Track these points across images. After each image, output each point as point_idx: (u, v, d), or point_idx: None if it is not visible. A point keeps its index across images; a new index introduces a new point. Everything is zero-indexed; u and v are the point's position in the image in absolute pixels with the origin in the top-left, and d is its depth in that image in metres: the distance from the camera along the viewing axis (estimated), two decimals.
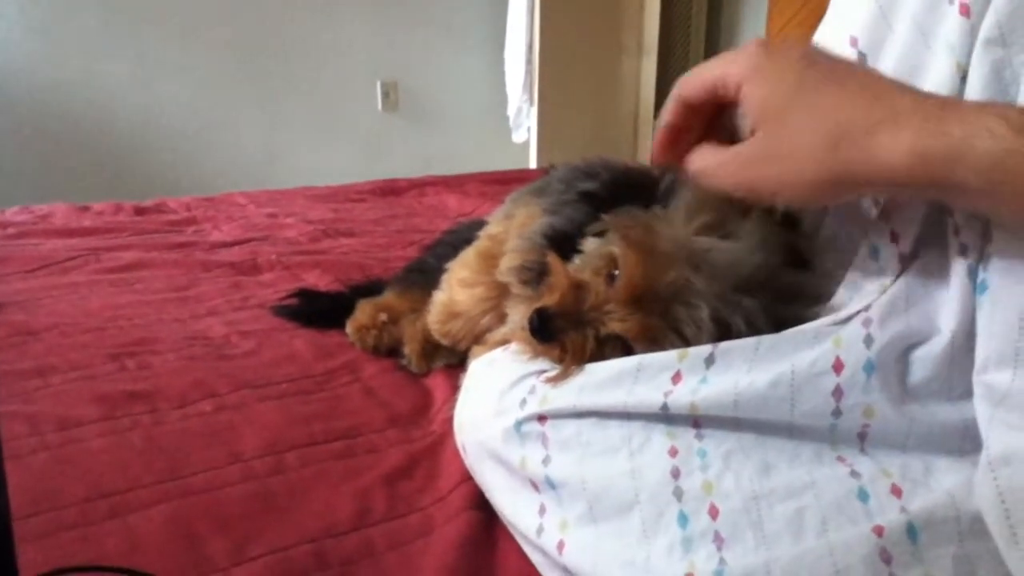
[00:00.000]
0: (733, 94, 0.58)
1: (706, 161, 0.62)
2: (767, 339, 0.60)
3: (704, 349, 0.61)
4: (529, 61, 3.73)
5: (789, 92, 0.55)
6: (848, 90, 0.52)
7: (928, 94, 0.51)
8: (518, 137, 3.94)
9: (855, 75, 0.54)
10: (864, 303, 0.58)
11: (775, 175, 0.56)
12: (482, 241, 0.97)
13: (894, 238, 0.58)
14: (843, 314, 0.59)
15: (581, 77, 3.94)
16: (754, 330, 0.62)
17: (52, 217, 1.76)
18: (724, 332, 0.63)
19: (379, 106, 3.87)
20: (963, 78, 0.55)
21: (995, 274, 0.51)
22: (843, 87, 0.53)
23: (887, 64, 0.61)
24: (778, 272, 0.65)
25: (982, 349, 0.52)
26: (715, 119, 0.65)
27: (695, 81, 0.62)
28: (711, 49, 4.34)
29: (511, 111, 3.89)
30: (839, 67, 0.55)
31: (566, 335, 0.69)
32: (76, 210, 1.82)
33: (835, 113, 0.52)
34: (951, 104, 0.49)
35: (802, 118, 0.54)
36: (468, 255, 0.97)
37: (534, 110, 3.82)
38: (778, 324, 0.62)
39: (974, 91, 0.53)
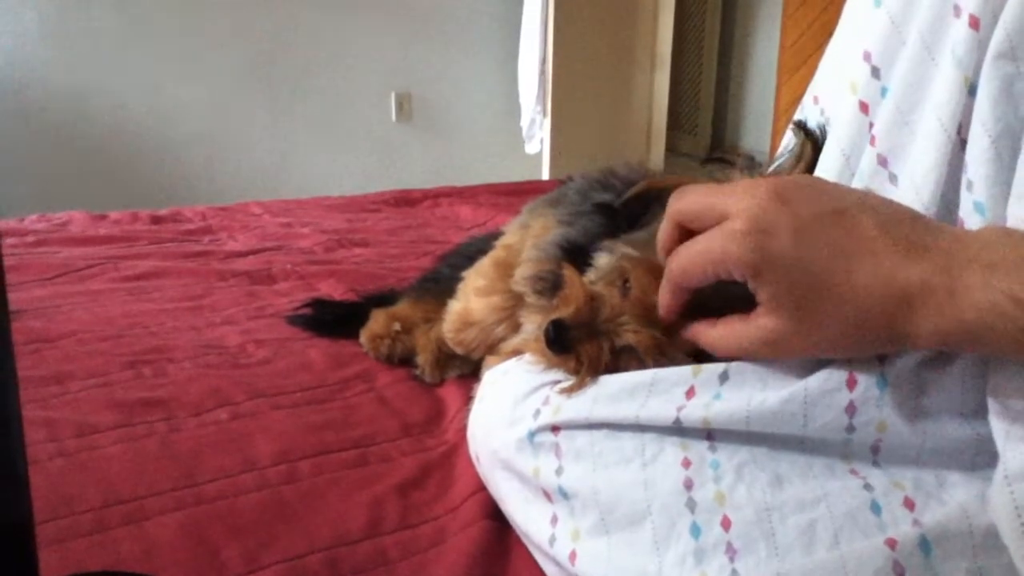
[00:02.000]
0: (738, 279, 0.55)
1: (718, 338, 0.60)
2: None
3: (719, 366, 0.62)
4: (542, 73, 3.75)
5: (797, 287, 0.52)
6: (861, 268, 0.50)
7: (927, 247, 0.49)
8: (531, 148, 3.95)
9: (855, 240, 0.51)
10: None
11: (811, 351, 0.56)
12: (498, 251, 0.97)
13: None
14: None
15: (594, 89, 3.95)
16: None
17: (70, 225, 1.77)
18: None
19: (393, 117, 3.90)
20: (971, 92, 0.55)
21: None
22: (850, 267, 0.50)
23: (897, 78, 0.61)
24: None
25: (996, 365, 0.52)
26: None
27: (692, 270, 0.58)
28: (723, 62, 4.35)
29: (524, 122, 3.91)
30: (836, 236, 0.52)
31: (581, 346, 0.69)
32: (93, 218, 1.83)
33: (852, 300, 0.51)
34: (960, 275, 0.47)
35: (821, 311, 0.52)
36: (484, 264, 0.97)
37: (547, 122, 3.83)
38: None
39: (984, 106, 0.53)
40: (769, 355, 0.58)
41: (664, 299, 0.62)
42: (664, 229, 0.61)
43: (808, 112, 0.78)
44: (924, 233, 0.51)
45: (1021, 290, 0.45)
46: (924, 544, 0.51)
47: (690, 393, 0.62)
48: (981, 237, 0.49)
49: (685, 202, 0.59)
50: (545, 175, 3.88)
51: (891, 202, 0.54)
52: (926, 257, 0.49)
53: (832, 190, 0.55)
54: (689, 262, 0.58)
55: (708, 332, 0.61)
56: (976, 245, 0.48)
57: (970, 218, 0.55)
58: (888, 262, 0.50)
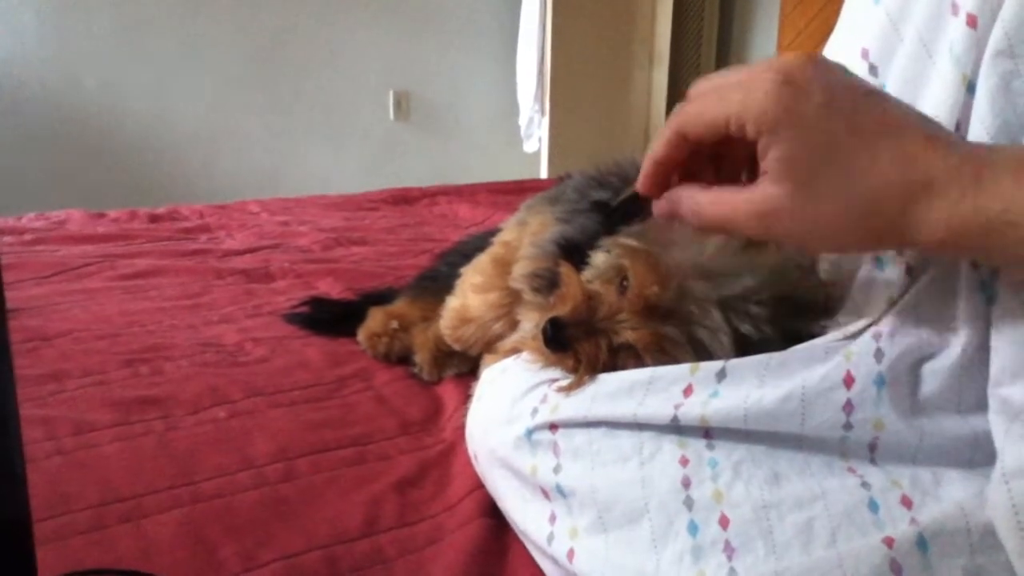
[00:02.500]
0: (748, 135, 0.51)
1: (708, 202, 0.55)
2: (778, 355, 0.60)
3: (716, 364, 0.62)
4: (541, 71, 3.74)
5: (815, 152, 0.49)
6: (883, 146, 0.48)
7: (964, 148, 0.47)
8: (529, 147, 3.95)
9: (884, 120, 0.49)
10: (872, 316, 0.58)
11: (799, 234, 0.52)
12: (496, 248, 0.97)
13: (901, 251, 0.58)
14: (851, 328, 0.59)
15: (592, 88, 3.95)
16: (763, 338, 0.62)
17: (67, 224, 1.77)
18: (737, 338, 0.63)
19: (391, 115, 3.89)
20: (969, 89, 0.55)
21: (1006, 286, 0.51)
22: (875, 144, 0.48)
23: (894, 75, 0.61)
24: (784, 283, 0.65)
25: (996, 362, 0.52)
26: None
27: (700, 119, 0.53)
28: (722, 60, 4.35)
29: (522, 121, 3.90)
30: (863, 105, 0.50)
31: (579, 344, 0.69)
32: (91, 217, 1.83)
33: (865, 179, 0.48)
34: (988, 168, 0.46)
35: (831, 185, 0.49)
36: (482, 261, 0.97)
37: (545, 120, 3.83)
38: (786, 335, 0.62)
39: (982, 103, 0.53)
40: (756, 229, 0.52)
41: (655, 147, 0.56)
42: (663, 138, 0.56)
43: None
44: (949, 133, 0.50)
45: None
46: (921, 542, 0.51)
47: (688, 391, 0.62)
48: (1008, 148, 0.49)
49: (693, 115, 0.54)
50: (543, 173, 3.88)
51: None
52: (952, 149, 0.47)
53: (862, 79, 0.53)
54: (701, 106, 0.53)
55: (696, 196, 0.55)
56: (1004, 150, 0.48)
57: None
58: (912, 148, 0.47)
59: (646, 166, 0.58)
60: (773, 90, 0.49)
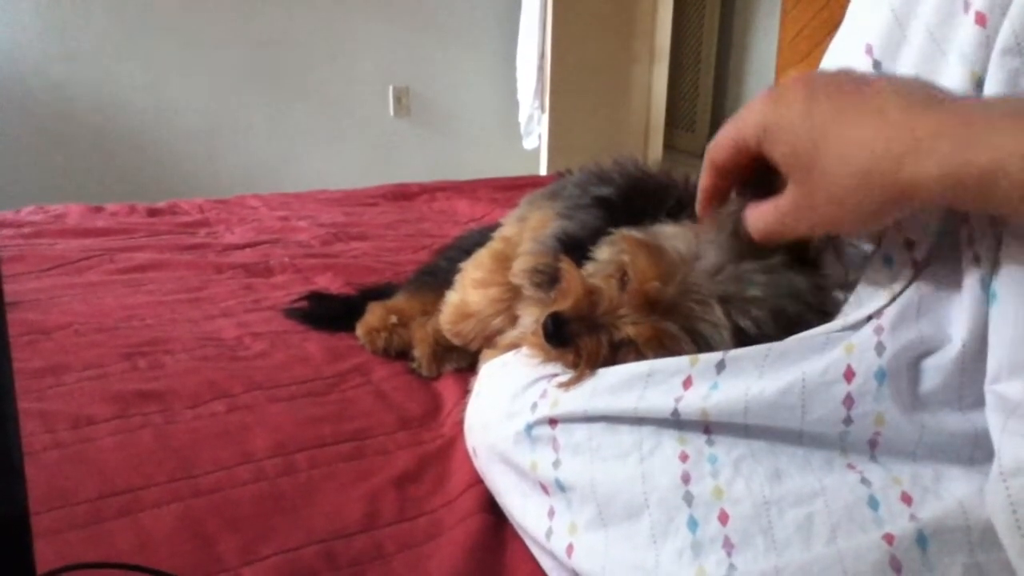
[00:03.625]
0: (756, 150, 0.58)
1: (752, 219, 0.62)
2: (777, 345, 0.60)
3: (715, 355, 0.62)
4: (541, 68, 3.74)
5: (807, 141, 0.54)
6: (865, 121, 0.51)
7: (952, 106, 0.49)
8: (529, 144, 3.95)
9: (864, 98, 0.52)
10: (873, 308, 0.58)
11: (818, 222, 0.56)
12: (496, 243, 0.97)
13: (908, 245, 0.58)
14: (851, 318, 0.59)
15: (592, 84, 3.95)
16: (763, 333, 0.62)
17: (66, 217, 1.77)
18: (737, 332, 0.63)
19: (391, 111, 3.89)
20: (978, 86, 0.55)
21: (1006, 284, 0.51)
22: (859, 119, 0.51)
23: (902, 71, 0.61)
24: (786, 279, 0.65)
25: (994, 359, 0.52)
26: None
27: (719, 145, 0.62)
28: (722, 57, 4.35)
29: (522, 118, 3.90)
30: (844, 92, 0.54)
31: (580, 340, 0.69)
32: (90, 211, 1.83)
33: (859, 152, 0.51)
34: (973, 120, 0.47)
35: (829, 166, 0.53)
36: (482, 256, 0.97)
37: (545, 117, 3.83)
38: (788, 330, 0.62)
39: None
40: (789, 228, 0.58)
41: (702, 181, 0.66)
42: (703, 172, 0.65)
43: None
44: (943, 93, 0.51)
45: None
46: (921, 539, 0.51)
47: (687, 383, 0.62)
48: (999, 100, 0.51)
49: (715, 143, 0.62)
50: (543, 170, 3.88)
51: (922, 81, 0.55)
52: (937, 108, 0.49)
53: (850, 71, 0.57)
54: (720, 137, 0.61)
55: (746, 215, 0.63)
56: (996, 102, 0.50)
57: (977, 215, 0.55)
58: (894, 115, 0.50)
59: (699, 199, 0.67)
60: (764, 105, 0.57)
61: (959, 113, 0.48)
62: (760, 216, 0.61)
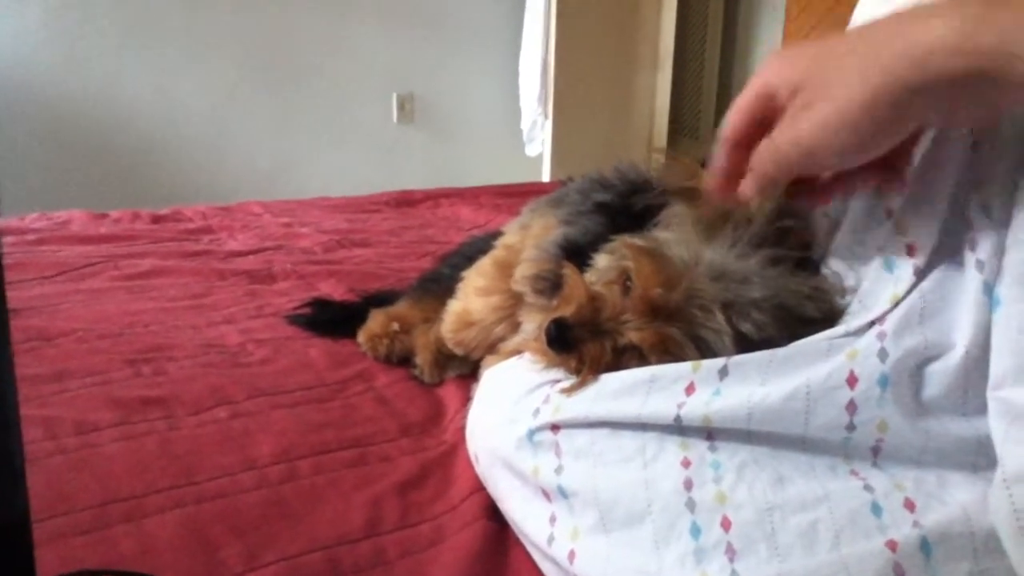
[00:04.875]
0: (774, 96, 0.57)
1: (759, 154, 0.60)
2: (780, 352, 0.60)
3: (718, 361, 0.61)
4: (544, 74, 3.74)
5: (816, 49, 0.54)
6: (877, 21, 0.52)
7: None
8: (532, 150, 3.95)
9: (874, 30, 0.52)
10: (875, 313, 0.58)
11: (821, 116, 0.54)
12: (498, 251, 0.97)
13: (910, 251, 0.58)
14: (854, 324, 0.59)
15: (596, 91, 3.95)
16: (765, 338, 0.62)
17: (70, 224, 1.77)
18: (740, 337, 0.63)
19: (394, 118, 3.90)
20: None
21: (1008, 289, 0.51)
22: (871, 24, 0.52)
23: None
24: (787, 280, 0.65)
25: (996, 365, 0.52)
26: None
27: (734, 113, 0.61)
28: (726, 64, 4.35)
29: (525, 124, 3.90)
30: (856, 35, 0.54)
31: (583, 345, 0.69)
32: (94, 217, 1.83)
33: (868, 35, 0.51)
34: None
35: (835, 53, 0.53)
36: (484, 264, 0.97)
37: (548, 123, 3.82)
38: (790, 336, 0.62)
39: None
40: (806, 129, 0.55)
41: (716, 162, 0.65)
42: (719, 153, 0.64)
43: None
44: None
45: None
46: (925, 546, 0.51)
47: (690, 389, 0.62)
48: None
49: (730, 115, 0.62)
50: (546, 177, 3.88)
51: None
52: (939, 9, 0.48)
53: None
54: (736, 106, 0.61)
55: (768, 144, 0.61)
56: None
57: (979, 220, 0.55)
58: (902, 25, 0.50)
59: (714, 182, 0.66)
60: (772, 56, 0.58)
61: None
62: (766, 144, 0.59)
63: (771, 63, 0.57)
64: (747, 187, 0.62)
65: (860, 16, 0.71)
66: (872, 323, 0.58)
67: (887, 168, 0.59)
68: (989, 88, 0.47)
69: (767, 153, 0.58)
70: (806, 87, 0.54)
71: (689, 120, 5.09)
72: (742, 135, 0.61)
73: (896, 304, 0.57)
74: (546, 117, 3.83)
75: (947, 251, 0.57)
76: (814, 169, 0.58)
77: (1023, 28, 0.44)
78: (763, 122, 0.59)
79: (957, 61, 0.46)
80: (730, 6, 4.25)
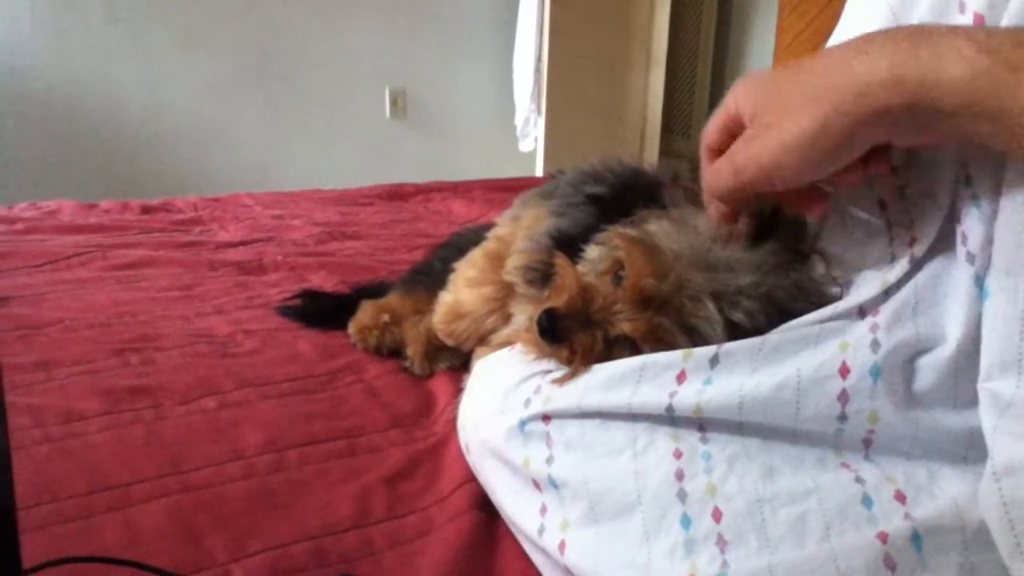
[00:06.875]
0: (739, 118, 0.60)
1: (709, 170, 0.62)
2: (771, 339, 0.60)
3: (708, 350, 0.61)
4: (537, 71, 3.74)
5: (773, 78, 0.57)
6: (825, 54, 0.54)
7: (901, 27, 0.52)
8: (525, 147, 3.94)
9: (832, 49, 0.55)
10: (864, 296, 0.58)
11: (775, 142, 0.55)
12: (489, 242, 0.97)
13: (911, 242, 0.58)
14: (842, 306, 0.58)
15: (589, 88, 3.94)
16: (755, 325, 0.62)
17: (59, 213, 1.76)
18: (730, 325, 0.63)
19: (387, 113, 3.89)
20: None
21: (996, 281, 0.51)
22: (821, 55, 0.54)
23: None
24: (779, 272, 0.65)
25: (986, 356, 0.51)
26: None
27: (710, 126, 0.63)
28: (719, 62, 4.35)
29: (519, 120, 3.90)
30: (808, 68, 0.56)
31: (575, 336, 0.69)
32: (83, 207, 1.82)
33: (817, 68, 0.53)
34: (922, 30, 0.49)
35: (788, 84, 0.55)
36: (475, 255, 0.97)
37: (542, 120, 3.82)
38: (781, 318, 0.62)
39: None
40: (756, 152, 0.57)
41: (702, 168, 0.65)
42: (702, 164, 0.65)
43: None
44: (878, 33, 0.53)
45: (983, 35, 0.45)
46: (915, 538, 0.51)
47: (681, 377, 0.61)
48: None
49: (705, 129, 0.64)
50: (539, 173, 3.87)
51: None
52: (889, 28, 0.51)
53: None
54: (711, 120, 0.63)
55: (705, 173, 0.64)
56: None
57: (969, 214, 0.55)
58: (854, 41, 0.52)
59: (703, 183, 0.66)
60: (735, 85, 0.60)
61: (909, 27, 0.51)
62: (718, 163, 0.61)
63: (738, 87, 0.60)
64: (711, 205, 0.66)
65: (849, 18, 0.71)
66: (862, 309, 0.58)
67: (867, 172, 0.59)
68: (924, 117, 0.48)
69: (726, 169, 0.60)
70: (767, 112, 0.57)
71: (682, 118, 5.09)
72: (718, 145, 0.63)
73: (886, 291, 0.57)
74: (539, 113, 3.82)
75: (942, 244, 0.57)
76: (769, 186, 0.59)
77: (941, 62, 0.46)
78: (735, 135, 0.61)
79: (891, 95, 0.48)
80: (724, 5, 4.26)
